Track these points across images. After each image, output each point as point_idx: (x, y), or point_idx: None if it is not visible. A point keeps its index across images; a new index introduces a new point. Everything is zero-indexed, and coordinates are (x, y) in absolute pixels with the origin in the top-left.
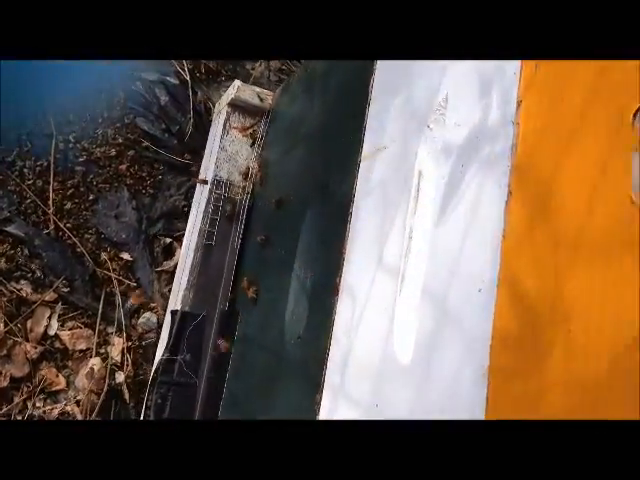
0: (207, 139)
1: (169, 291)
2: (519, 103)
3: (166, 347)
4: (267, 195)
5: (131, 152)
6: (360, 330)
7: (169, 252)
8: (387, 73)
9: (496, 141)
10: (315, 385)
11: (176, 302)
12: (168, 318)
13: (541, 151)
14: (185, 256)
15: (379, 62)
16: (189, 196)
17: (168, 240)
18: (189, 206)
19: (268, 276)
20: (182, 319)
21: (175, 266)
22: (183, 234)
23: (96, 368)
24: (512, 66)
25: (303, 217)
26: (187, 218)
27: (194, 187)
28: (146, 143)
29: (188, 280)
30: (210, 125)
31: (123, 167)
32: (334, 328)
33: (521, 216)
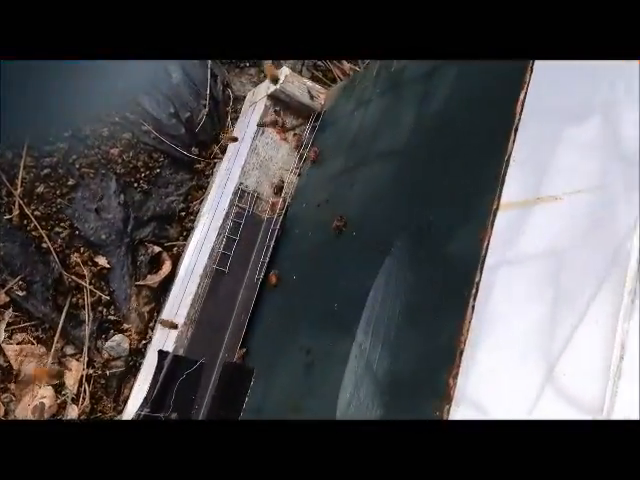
0: (221, 134)
1: (149, 312)
2: None
3: (146, 399)
4: (316, 216)
5: (127, 135)
6: None
7: (156, 264)
8: (550, 85)
9: None
10: None
11: (166, 339)
12: (152, 360)
13: None
14: (186, 280)
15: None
16: (190, 199)
17: (157, 249)
18: (187, 210)
19: (305, 330)
20: (173, 364)
21: (160, 282)
22: (175, 244)
23: (47, 403)
24: None
25: (377, 263)
26: (182, 224)
27: (201, 188)
28: (147, 127)
29: (188, 313)
30: (226, 118)
31: (115, 151)
32: None
33: None
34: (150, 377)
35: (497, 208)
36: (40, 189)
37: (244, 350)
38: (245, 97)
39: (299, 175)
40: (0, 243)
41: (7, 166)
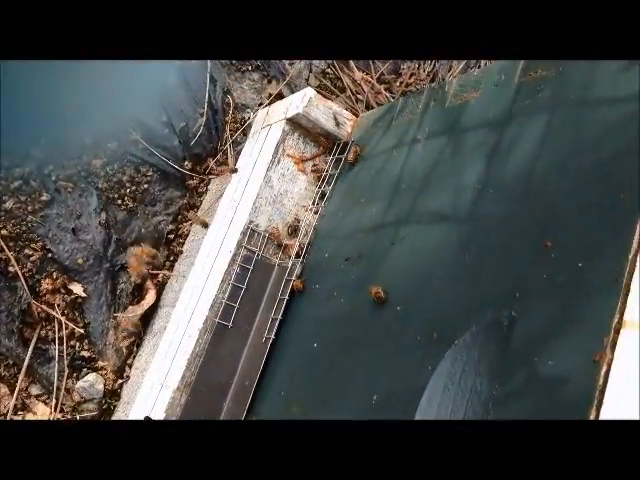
0: (219, 148)
1: (128, 347)
2: None
3: None
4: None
5: (112, 144)
6: None
7: (138, 293)
8: None
9: None
10: None
11: (154, 403)
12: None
13: None
14: (181, 334)
15: None
16: (180, 220)
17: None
18: (177, 232)
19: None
20: None
21: (143, 315)
22: (161, 272)
23: None
24: None
25: (432, 355)
26: (170, 248)
27: (189, 208)
28: (136, 136)
29: (183, 376)
30: (224, 129)
31: (97, 163)
32: None
33: None
34: None
35: (620, 324)
36: (9, 204)
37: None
38: (245, 105)
39: (320, 215)
40: None
41: None
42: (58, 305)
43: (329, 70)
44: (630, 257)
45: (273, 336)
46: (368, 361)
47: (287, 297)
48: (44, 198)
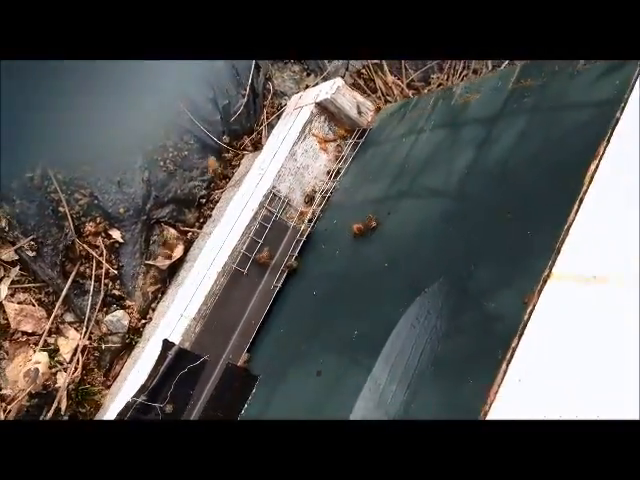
0: (255, 128)
1: (153, 293)
2: None
3: (144, 387)
4: (349, 237)
5: (163, 114)
6: None
7: (168, 246)
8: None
9: None
10: None
11: (173, 330)
12: (154, 346)
13: None
14: (202, 275)
15: (619, 141)
16: (213, 187)
17: (172, 231)
18: (208, 197)
19: (318, 351)
20: (177, 357)
21: (170, 265)
22: (191, 230)
23: (41, 370)
24: None
25: (400, 306)
26: (200, 211)
27: (222, 178)
28: (183, 107)
29: (199, 309)
30: (262, 111)
31: (148, 127)
32: None
33: None
34: (147, 363)
35: (548, 277)
36: None
37: (248, 355)
38: (283, 92)
39: (334, 189)
40: (17, 200)
41: None
42: (97, 247)
43: (364, 71)
44: (565, 228)
45: (280, 285)
46: (355, 305)
47: (296, 254)
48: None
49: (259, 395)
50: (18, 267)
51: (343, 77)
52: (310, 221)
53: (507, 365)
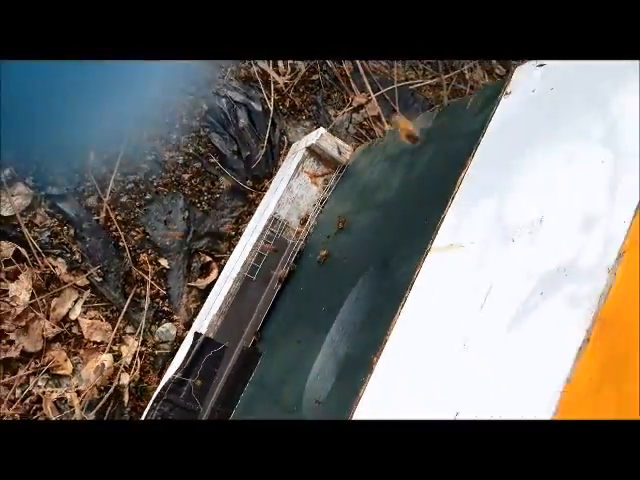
0: (273, 172)
1: (195, 309)
2: (621, 254)
3: (180, 367)
4: (326, 245)
5: (197, 164)
6: (386, 415)
7: (205, 270)
8: (484, 170)
9: (584, 283)
10: None
11: (202, 325)
12: (190, 338)
13: (632, 310)
14: (223, 282)
15: (477, 157)
16: (240, 222)
17: (208, 258)
18: (236, 231)
19: (301, 327)
20: (203, 344)
21: (207, 286)
22: (223, 257)
23: (107, 365)
24: (624, 213)
25: (353, 283)
26: (230, 242)
27: (247, 214)
28: (214, 159)
29: (220, 307)
30: (278, 159)
31: (186, 176)
32: (359, 407)
33: (593, 367)
34: (183, 353)
35: (428, 250)
36: (124, 199)
37: (254, 338)
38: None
39: (321, 212)
40: (88, 238)
41: (100, 178)
42: (149, 272)
43: (365, 122)
44: (441, 217)
45: (280, 286)
46: (326, 289)
47: (292, 262)
48: (147, 197)
49: (262, 364)
50: (89, 290)
51: (347, 129)
52: (302, 238)
53: (401, 309)
